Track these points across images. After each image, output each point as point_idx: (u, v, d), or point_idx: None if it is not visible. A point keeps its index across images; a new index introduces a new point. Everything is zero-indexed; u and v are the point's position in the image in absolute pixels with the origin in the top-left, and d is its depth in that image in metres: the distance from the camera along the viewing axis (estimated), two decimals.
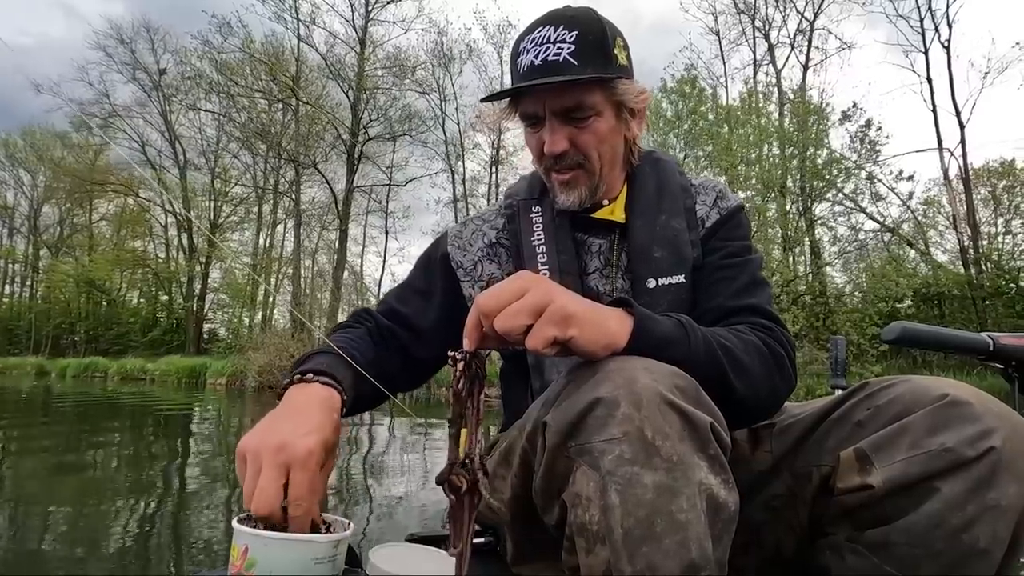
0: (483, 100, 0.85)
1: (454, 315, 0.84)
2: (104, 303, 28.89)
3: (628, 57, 0.82)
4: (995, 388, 0.69)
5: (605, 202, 0.86)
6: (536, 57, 0.76)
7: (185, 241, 25.36)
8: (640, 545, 0.48)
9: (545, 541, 0.65)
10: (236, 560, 0.59)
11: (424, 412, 7.91)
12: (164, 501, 3.21)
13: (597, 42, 0.77)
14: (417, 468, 4.32)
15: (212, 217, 24.92)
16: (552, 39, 0.76)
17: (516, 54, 0.80)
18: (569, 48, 0.75)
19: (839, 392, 0.71)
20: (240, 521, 0.61)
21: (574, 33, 0.76)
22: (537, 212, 0.88)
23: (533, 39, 0.77)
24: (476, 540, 0.85)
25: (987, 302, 12.21)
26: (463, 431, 0.53)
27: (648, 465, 0.49)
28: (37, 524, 2.68)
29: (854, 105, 13.43)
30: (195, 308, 24.52)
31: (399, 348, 0.88)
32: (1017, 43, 14.10)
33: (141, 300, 29.32)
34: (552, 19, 0.78)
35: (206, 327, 25.83)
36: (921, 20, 14.55)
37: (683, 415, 0.51)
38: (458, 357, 0.54)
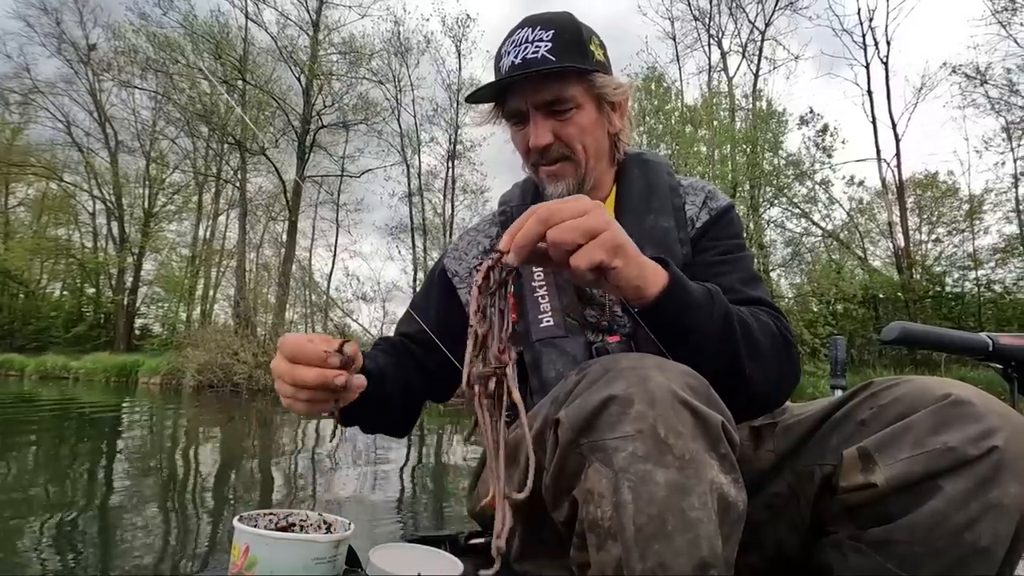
0: (468, 99, 0.87)
1: (449, 326, 0.87)
2: (21, 295, 26.63)
3: (605, 55, 0.86)
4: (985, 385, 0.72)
5: None
6: (516, 57, 0.80)
7: (116, 230, 23.65)
8: (652, 542, 0.48)
9: (550, 539, 0.65)
10: (237, 559, 0.59)
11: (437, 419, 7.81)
12: (95, 505, 2.98)
13: (573, 39, 0.81)
14: (419, 469, 4.28)
15: (146, 205, 23.37)
16: (530, 39, 0.80)
17: (498, 58, 0.84)
18: (547, 46, 0.79)
19: (839, 392, 0.72)
20: (241, 520, 0.59)
21: (551, 32, 0.80)
22: None
23: (513, 41, 0.82)
24: (476, 540, 0.84)
25: (917, 304, 13.21)
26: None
27: (661, 463, 0.49)
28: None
29: (811, 111, 14.11)
30: (126, 302, 22.93)
31: (411, 357, 0.91)
32: (944, 63, 15.28)
33: (64, 293, 27.17)
34: (530, 22, 0.82)
35: (138, 323, 24.31)
36: (863, 36, 15.53)
37: (695, 413, 0.52)
38: (492, 258, 0.54)
